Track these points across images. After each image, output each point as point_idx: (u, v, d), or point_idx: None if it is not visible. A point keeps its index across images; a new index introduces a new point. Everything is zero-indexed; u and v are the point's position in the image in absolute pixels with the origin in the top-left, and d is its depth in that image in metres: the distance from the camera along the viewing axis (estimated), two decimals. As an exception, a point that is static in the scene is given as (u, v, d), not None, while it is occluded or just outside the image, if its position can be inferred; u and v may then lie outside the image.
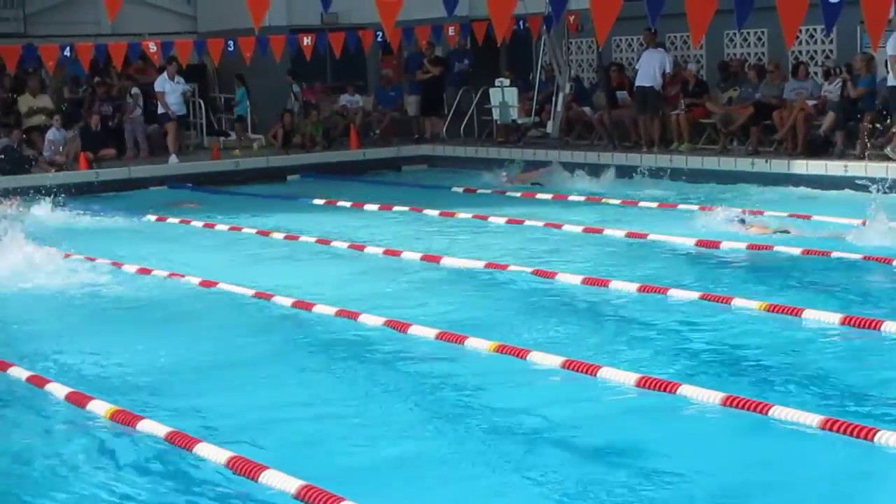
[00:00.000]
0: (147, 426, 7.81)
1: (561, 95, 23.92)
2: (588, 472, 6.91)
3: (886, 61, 19.09)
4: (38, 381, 9.06)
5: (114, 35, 25.71)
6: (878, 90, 19.12)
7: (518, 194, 19.41)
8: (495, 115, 24.94)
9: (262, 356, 9.87)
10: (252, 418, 8.17)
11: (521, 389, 8.58)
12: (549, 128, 24.24)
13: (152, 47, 23.39)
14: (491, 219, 16.73)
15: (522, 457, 7.21)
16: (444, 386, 8.77)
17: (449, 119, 26.25)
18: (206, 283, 12.69)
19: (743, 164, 19.98)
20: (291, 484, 6.55)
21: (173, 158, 23.53)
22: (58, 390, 8.77)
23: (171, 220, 17.96)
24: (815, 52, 22.51)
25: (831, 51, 22.16)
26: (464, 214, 17.13)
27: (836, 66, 20.46)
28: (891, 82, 17.91)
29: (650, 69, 22.03)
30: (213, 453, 7.20)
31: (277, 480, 6.67)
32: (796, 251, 12.97)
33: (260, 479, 6.74)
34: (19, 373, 9.32)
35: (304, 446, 7.59)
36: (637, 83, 22.37)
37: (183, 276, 13.11)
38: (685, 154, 21.19)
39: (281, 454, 7.26)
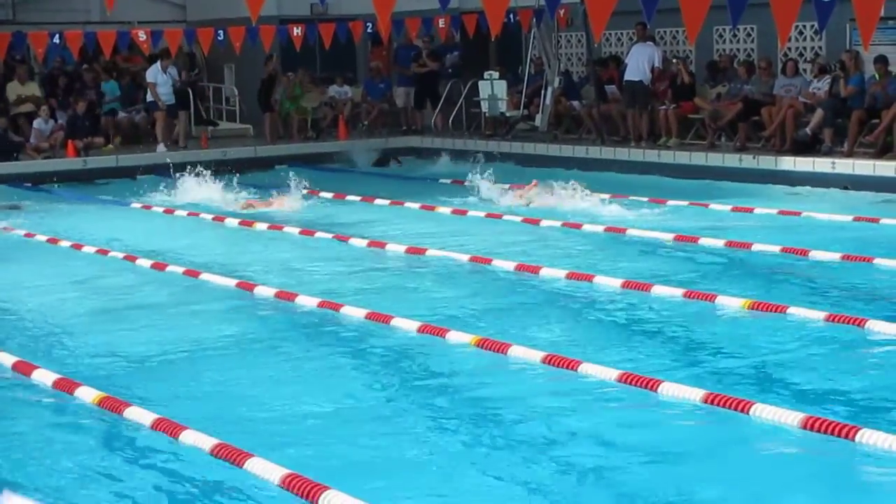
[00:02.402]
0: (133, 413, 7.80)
1: (550, 89, 23.89)
2: (566, 465, 6.89)
3: (875, 60, 19.15)
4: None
5: (103, 23, 25.65)
6: (867, 88, 19.12)
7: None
8: (484, 107, 24.91)
9: (245, 346, 9.85)
10: (234, 407, 8.15)
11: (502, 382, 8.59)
12: (538, 121, 24.22)
13: (142, 36, 23.37)
14: (471, 213, 16.75)
15: (500, 450, 7.20)
16: (425, 378, 8.75)
17: (438, 111, 26.24)
18: (190, 272, 12.70)
19: (731, 160, 19.97)
20: (276, 473, 6.53)
21: (161, 147, 23.50)
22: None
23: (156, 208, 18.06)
24: (805, 48, 22.49)
25: (821, 48, 22.14)
26: (443, 209, 17.15)
27: (829, 63, 20.46)
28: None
29: (640, 63, 22.00)
30: (198, 440, 7.18)
31: (262, 468, 6.65)
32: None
33: (245, 466, 6.72)
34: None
35: (286, 435, 7.56)
36: (626, 77, 22.34)
37: (166, 265, 13.13)
38: (673, 149, 21.20)
39: (266, 443, 7.24)
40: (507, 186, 18.21)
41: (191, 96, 26.09)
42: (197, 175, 19.12)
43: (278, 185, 18.83)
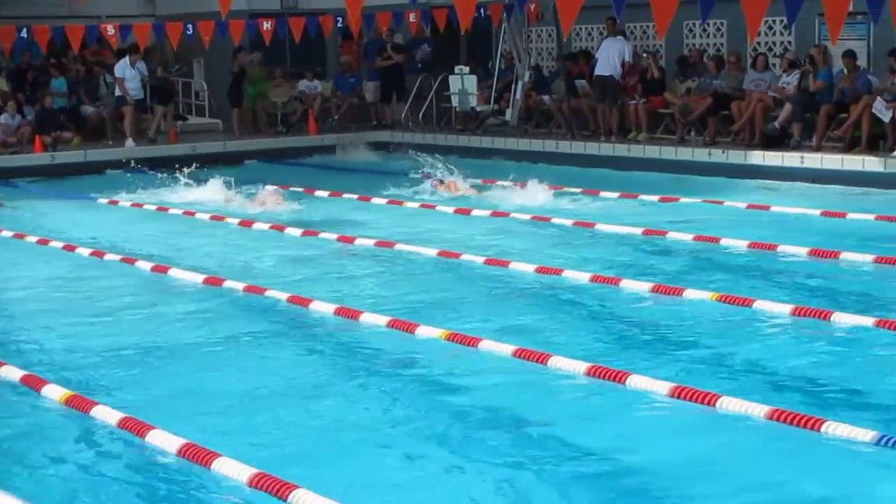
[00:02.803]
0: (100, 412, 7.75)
1: (520, 83, 23.91)
2: (536, 458, 6.89)
3: (843, 54, 19.23)
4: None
5: (71, 17, 25.51)
6: (835, 83, 19.20)
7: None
8: (454, 102, 24.90)
9: (215, 342, 9.81)
10: (202, 405, 8.12)
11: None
12: (508, 116, 24.25)
13: (110, 30, 23.26)
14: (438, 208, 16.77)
15: (469, 442, 7.20)
16: (396, 372, 8.74)
17: (408, 105, 26.21)
18: (158, 268, 12.66)
19: (700, 154, 20.03)
20: (244, 472, 6.50)
21: (130, 142, 23.40)
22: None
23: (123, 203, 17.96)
24: (774, 43, 22.56)
25: (790, 42, 22.22)
26: (411, 204, 17.17)
27: (798, 58, 20.53)
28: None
29: (610, 58, 22.04)
30: (165, 440, 7.13)
31: (230, 468, 6.60)
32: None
33: (213, 466, 6.67)
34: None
35: (255, 433, 7.54)
36: (596, 72, 22.37)
37: (134, 260, 13.08)
38: (643, 143, 21.24)
39: (232, 441, 7.22)
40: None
41: (175, 90, 26.00)
42: (166, 170, 19.03)
43: (249, 181, 18.78)
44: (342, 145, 24.71)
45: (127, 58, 23.54)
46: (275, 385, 8.54)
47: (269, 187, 17.92)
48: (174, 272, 12.42)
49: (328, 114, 26.46)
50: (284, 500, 6.12)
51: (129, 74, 23.64)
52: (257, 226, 15.44)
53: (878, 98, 18.01)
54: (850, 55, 19.26)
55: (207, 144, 24.21)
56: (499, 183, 17.94)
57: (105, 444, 7.42)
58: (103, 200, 18.35)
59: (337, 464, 6.96)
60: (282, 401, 8.19)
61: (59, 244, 14.32)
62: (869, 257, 11.91)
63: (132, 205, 17.74)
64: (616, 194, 17.31)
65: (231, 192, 17.70)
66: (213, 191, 17.98)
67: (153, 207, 17.37)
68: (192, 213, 16.61)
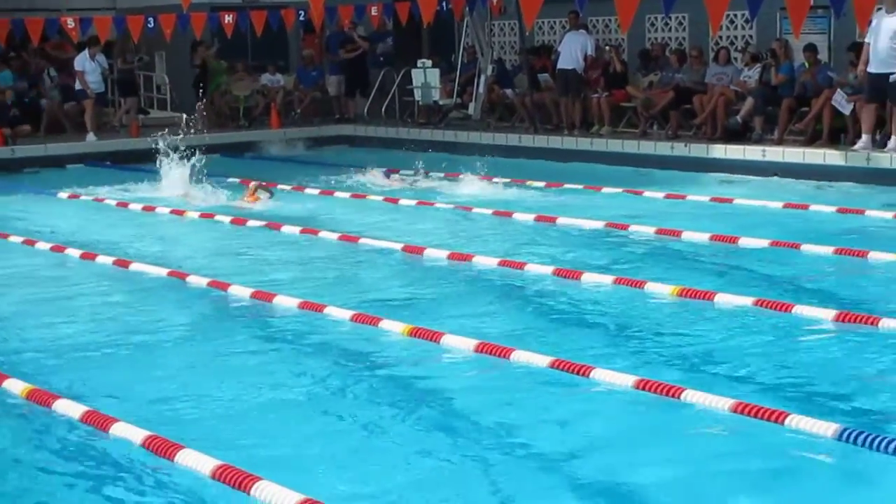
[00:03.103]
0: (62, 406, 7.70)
1: (483, 77, 23.93)
2: (498, 453, 6.89)
3: (804, 48, 19.33)
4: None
5: (31, 10, 25.33)
6: (797, 77, 19.28)
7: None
8: (417, 95, 24.88)
9: (176, 336, 9.77)
10: (165, 398, 8.09)
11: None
12: (471, 109, 24.26)
13: (70, 23, 23.11)
14: (401, 201, 16.76)
15: (433, 438, 7.18)
16: (357, 366, 8.72)
17: (371, 99, 26.18)
18: (120, 262, 12.59)
19: (662, 148, 20.08)
20: (207, 464, 6.47)
21: (91, 136, 23.26)
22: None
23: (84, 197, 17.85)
24: (736, 37, 22.66)
25: (751, 36, 22.33)
26: (375, 197, 17.14)
27: (760, 52, 20.61)
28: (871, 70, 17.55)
29: (572, 52, 22.05)
30: (128, 432, 7.09)
31: (192, 460, 6.57)
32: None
33: (176, 458, 6.64)
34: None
35: (217, 426, 7.51)
36: (559, 66, 22.39)
37: (96, 255, 13.02)
38: (605, 137, 21.28)
39: (195, 433, 7.19)
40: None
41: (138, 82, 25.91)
42: (127, 163, 18.96)
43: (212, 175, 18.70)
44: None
45: (86, 51, 23.39)
46: (234, 377, 8.50)
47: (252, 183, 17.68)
48: (136, 266, 12.35)
49: (290, 107, 26.39)
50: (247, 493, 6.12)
51: (88, 67, 23.48)
52: (219, 218, 15.41)
53: (839, 91, 18.10)
54: (811, 49, 19.35)
55: (169, 139, 24.01)
56: (430, 174, 18.21)
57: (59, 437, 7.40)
58: (64, 195, 18.21)
59: (296, 454, 6.94)
60: (240, 391, 8.17)
61: (19, 239, 14.23)
62: (829, 249, 11.98)
63: (94, 199, 17.64)
64: (580, 186, 17.37)
65: (195, 186, 17.64)
66: (176, 185, 17.93)
67: (113, 202, 17.26)
68: (153, 208, 16.52)
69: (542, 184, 17.78)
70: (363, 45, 25.99)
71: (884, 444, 6.46)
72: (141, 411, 7.65)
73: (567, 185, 17.55)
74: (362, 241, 13.48)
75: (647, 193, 16.64)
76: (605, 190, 17.09)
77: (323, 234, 13.99)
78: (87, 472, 6.85)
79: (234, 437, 7.25)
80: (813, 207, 14.89)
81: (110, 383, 8.50)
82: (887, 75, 17.14)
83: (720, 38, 22.62)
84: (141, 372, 8.78)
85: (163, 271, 12.00)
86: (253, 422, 7.58)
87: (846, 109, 18.07)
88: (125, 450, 6.96)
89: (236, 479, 6.23)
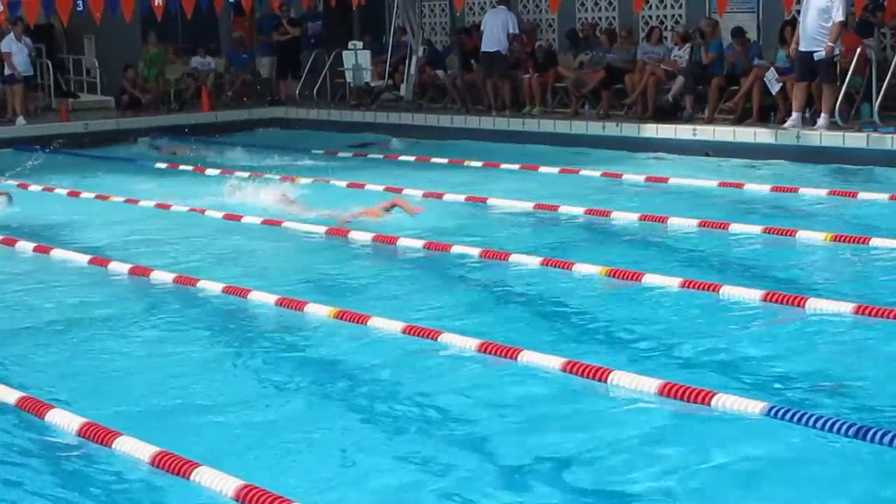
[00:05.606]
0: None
1: (414, 58, 23.84)
2: (432, 435, 6.84)
3: (732, 34, 19.39)
4: None
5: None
6: (725, 56, 19.33)
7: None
8: (349, 77, 24.74)
9: (99, 323, 9.63)
10: (93, 385, 7.98)
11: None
12: (403, 91, 24.17)
13: (-1, 6, 22.77)
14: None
15: (366, 423, 7.11)
16: (284, 351, 8.64)
17: (302, 81, 26.05)
18: (40, 248, 12.40)
19: (594, 127, 20.08)
20: (145, 451, 6.36)
21: (20, 120, 22.99)
22: None
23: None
24: (666, 16, 22.69)
25: (681, 16, 22.37)
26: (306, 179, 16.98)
27: (689, 31, 20.65)
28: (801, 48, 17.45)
29: (494, 32, 21.80)
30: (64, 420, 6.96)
31: (131, 447, 6.45)
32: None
33: (114, 445, 6.52)
34: None
35: (154, 412, 7.41)
36: (483, 48, 22.08)
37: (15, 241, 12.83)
38: (537, 117, 21.24)
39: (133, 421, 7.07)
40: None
41: (50, 69, 25.53)
42: (55, 148, 18.72)
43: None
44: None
45: (11, 32, 23.08)
46: (160, 365, 8.37)
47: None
48: (57, 252, 12.18)
49: (222, 90, 26.20)
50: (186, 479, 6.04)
51: (15, 49, 23.21)
52: (143, 203, 15.25)
53: (772, 69, 18.15)
54: (738, 34, 19.37)
55: (100, 122, 23.89)
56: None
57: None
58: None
59: (232, 441, 6.84)
60: (167, 378, 8.04)
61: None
62: (758, 228, 12.00)
63: (18, 185, 17.36)
64: (516, 166, 17.36)
65: None
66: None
67: (39, 188, 17.01)
68: (77, 194, 16.30)
69: (479, 163, 17.75)
70: (293, 31, 25.80)
71: (811, 420, 6.47)
72: (73, 397, 7.52)
73: (504, 165, 17.55)
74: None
75: (583, 172, 16.64)
76: (541, 169, 17.06)
77: (246, 218, 13.86)
78: (18, 461, 6.73)
79: (166, 424, 7.14)
80: (747, 186, 14.93)
81: (38, 368, 8.38)
82: (814, 53, 17.19)
83: (650, 17, 22.64)
84: (65, 357, 8.68)
85: (84, 258, 11.82)
86: (180, 410, 7.45)
87: (774, 88, 18.12)
88: (62, 437, 6.85)
89: (175, 466, 6.13)
